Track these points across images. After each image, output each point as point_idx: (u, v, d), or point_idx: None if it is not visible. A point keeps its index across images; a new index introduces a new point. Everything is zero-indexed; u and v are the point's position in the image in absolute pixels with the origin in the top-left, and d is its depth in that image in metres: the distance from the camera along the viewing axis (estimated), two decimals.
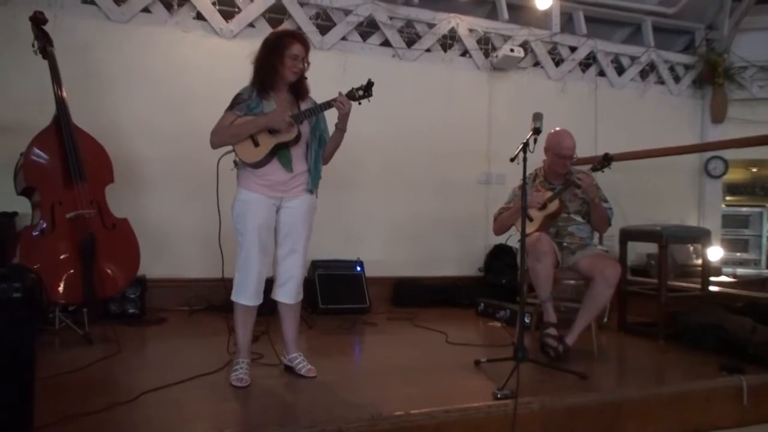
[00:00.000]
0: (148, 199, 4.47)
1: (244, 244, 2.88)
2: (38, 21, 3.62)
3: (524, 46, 5.65)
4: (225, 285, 3.08)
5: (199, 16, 4.70)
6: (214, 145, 2.91)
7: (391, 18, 5.23)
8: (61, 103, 3.56)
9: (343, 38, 5.12)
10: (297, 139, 2.90)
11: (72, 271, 3.44)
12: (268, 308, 3.01)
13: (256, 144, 2.87)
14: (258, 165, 2.88)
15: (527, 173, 3.06)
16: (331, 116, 2.99)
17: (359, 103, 2.94)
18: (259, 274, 2.89)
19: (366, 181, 5.16)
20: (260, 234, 2.88)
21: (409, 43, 5.36)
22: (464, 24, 5.48)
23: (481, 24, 5.56)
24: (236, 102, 2.92)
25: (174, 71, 4.56)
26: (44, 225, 3.46)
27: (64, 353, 3.30)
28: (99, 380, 2.85)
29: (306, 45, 2.94)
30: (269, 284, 2.99)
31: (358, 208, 5.14)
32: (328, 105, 2.92)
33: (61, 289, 3.40)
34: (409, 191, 5.31)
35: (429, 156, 5.36)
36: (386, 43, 5.27)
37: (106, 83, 4.42)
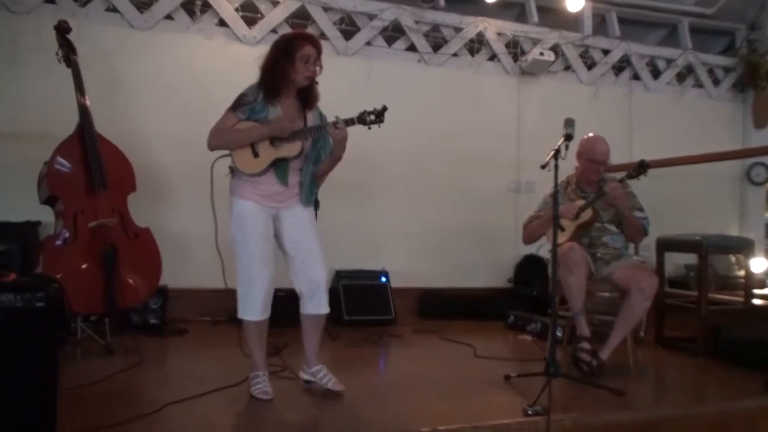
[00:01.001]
0: (169, 208, 4.55)
1: (244, 256, 2.83)
2: (63, 30, 3.72)
3: (555, 49, 5.63)
4: (228, 294, 3.07)
5: (222, 23, 4.78)
6: (212, 146, 2.86)
7: (417, 22, 5.26)
8: (84, 112, 3.64)
9: (368, 43, 5.16)
10: (299, 155, 2.88)
11: (94, 280, 3.50)
12: (293, 320, 3.01)
13: (256, 154, 2.83)
14: (255, 175, 2.85)
15: (559, 180, 3.04)
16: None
17: (368, 128, 2.88)
18: (265, 287, 2.83)
19: (391, 189, 5.18)
20: (261, 244, 2.84)
21: (436, 47, 5.38)
22: (492, 27, 5.49)
23: (510, 27, 5.56)
24: (240, 103, 2.86)
25: (196, 78, 4.64)
26: (67, 234, 3.54)
27: (85, 364, 3.36)
28: (121, 392, 2.90)
29: (318, 47, 2.90)
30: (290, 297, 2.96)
31: (382, 216, 5.15)
32: (324, 128, 2.86)
33: (83, 298, 3.46)
34: (436, 199, 5.31)
35: (456, 163, 5.35)
36: (412, 48, 5.30)
37: (129, 91, 4.51)
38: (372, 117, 2.86)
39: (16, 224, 3.99)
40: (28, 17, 4.30)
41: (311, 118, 2.96)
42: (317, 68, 2.88)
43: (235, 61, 4.69)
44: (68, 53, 3.70)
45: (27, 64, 4.27)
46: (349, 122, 2.84)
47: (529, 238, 3.79)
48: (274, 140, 2.85)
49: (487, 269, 5.42)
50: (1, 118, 4.23)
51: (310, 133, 2.87)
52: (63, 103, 3.87)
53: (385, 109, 2.87)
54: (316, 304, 2.92)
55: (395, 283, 4.93)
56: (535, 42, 5.61)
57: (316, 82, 2.93)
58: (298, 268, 2.91)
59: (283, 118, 2.85)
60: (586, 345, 3.38)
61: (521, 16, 5.65)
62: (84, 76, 3.71)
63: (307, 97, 2.95)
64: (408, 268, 5.12)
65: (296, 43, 2.85)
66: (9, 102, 4.25)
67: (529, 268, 5.24)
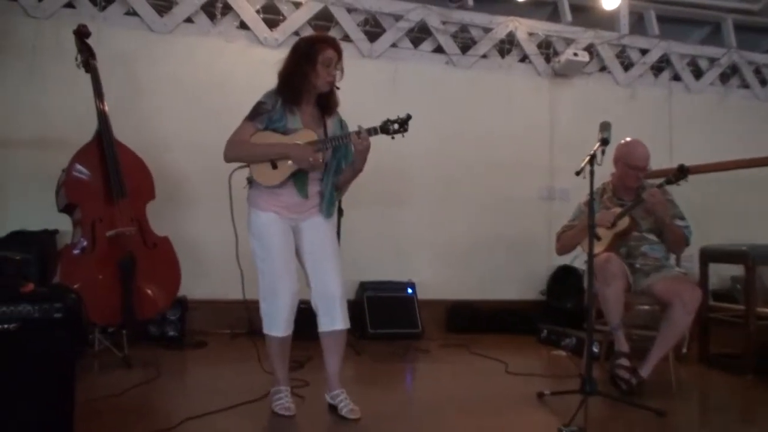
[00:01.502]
0: (189, 216, 4.61)
1: (266, 269, 2.84)
2: (82, 34, 3.81)
3: (589, 49, 5.60)
4: (247, 306, 3.09)
5: (243, 26, 4.85)
6: (228, 158, 2.87)
7: (444, 23, 5.27)
8: (102, 118, 3.72)
9: (393, 45, 5.19)
10: (321, 167, 2.89)
11: (112, 291, 3.56)
12: (317, 333, 3.01)
13: (275, 166, 2.85)
14: (273, 187, 2.86)
15: (594, 187, 3.02)
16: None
17: (392, 138, 2.88)
18: (289, 301, 2.83)
19: (417, 197, 5.19)
20: (283, 256, 2.84)
21: (464, 48, 5.38)
22: (523, 27, 5.48)
23: (542, 27, 5.54)
24: (258, 112, 2.87)
25: (217, 82, 4.71)
26: (85, 243, 3.61)
27: (102, 376, 3.41)
28: (138, 405, 2.93)
29: (339, 51, 2.90)
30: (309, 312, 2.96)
31: (408, 225, 5.17)
32: (346, 137, 2.85)
33: (100, 309, 3.51)
34: (464, 207, 5.30)
35: (486, 170, 5.35)
36: (439, 50, 5.31)
37: (148, 96, 4.60)
38: (395, 126, 2.85)
39: (34, 233, 4.08)
40: (47, 22, 4.41)
41: (331, 126, 2.97)
42: (338, 73, 2.89)
43: (257, 64, 4.74)
44: (87, 58, 3.79)
45: (45, 70, 4.38)
46: (372, 132, 2.83)
47: (563, 248, 3.76)
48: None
49: (519, 281, 5.39)
50: (20, 124, 4.34)
51: (330, 143, 2.87)
52: (81, 109, 3.96)
53: (409, 117, 2.86)
54: (330, 320, 2.87)
55: (422, 294, 4.92)
56: (569, 42, 5.59)
57: (337, 87, 2.94)
58: (312, 281, 2.91)
59: (301, 146, 2.82)
60: (624, 361, 3.34)
61: (554, 15, 5.63)
62: (103, 81, 3.79)
63: (327, 103, 2.95)
64: (436, 279, 5.12)
65: (318, 47, 2.85)
66: (27, 108, 4.36)
67: (563, 280, 5.20)
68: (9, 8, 4.34)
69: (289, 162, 2.83)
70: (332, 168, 2.95)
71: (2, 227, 4.11)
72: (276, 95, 2.89)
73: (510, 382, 3.58)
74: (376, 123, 2.86)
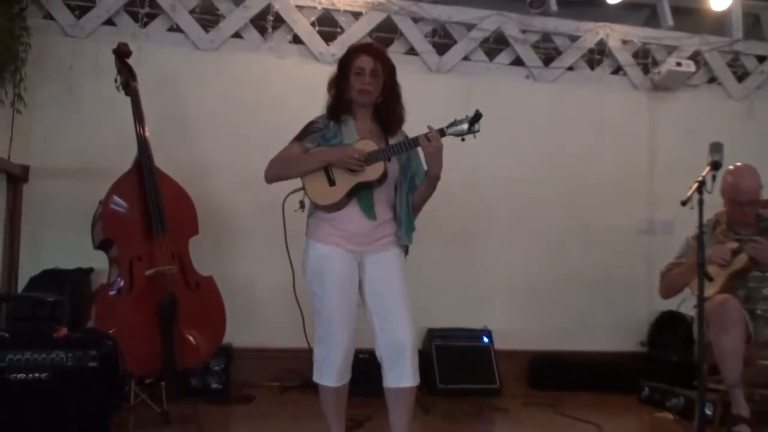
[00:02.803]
0: (236, 253, 4.70)
1: (324, 310, 2.86)
2: (122, 54, 3.99)
3: (695, 58, 5.50)
4: (302, 354, 3.08)
5: (296, 40, 4.97)
6: (268, 178, 2.94)
7: (523, 31, 5.28)
8: (143, 144, 3.86)
9: (466, 58, 5.22)
10: (383, 179, 2.88)
11: (150, 337, 3.64)
12: (379, 387, 2.98)
13: (332, 182, 2.87)
14: (332, 208, 2.88)
15: (705, 219, 2.96)
16: None
17: (462, 139, 2.88)
18: (345, 347, 2.84)
19: (493, 231, 5.16)
20: (343, 297, 2.85)
21: (547, 60, 5.38)
22: (616, 34, 5.43)
23: (638, 33, 5.48)
24: (308, 131, 2.94)
25: (268, 103, 4.82)
26: (122, 283, 3.72)
27: None
28: None
29: (376, 56, 2.93)
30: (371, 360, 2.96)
31: (483, 263, 5.13)
32: (414, 141, 2.87)
33: (137, 358, 3.58)
34: (549, 242, 5.24)
35: (574, 198, 5.28)
36: (518, 62, 5.32)
37: (192, 119, 4.75)
38: (464, 126, 2.86)
39: (68, 271, 4.25)
40: (86, 41, 4.62)
41: (394, 142, 2.99)
42: (376, 81, 2.92)
43: (311, 82, 4.80)
44: (128, 79, 3.96)
45: (83, 93, 4.58)
46: (438, 134, 2.85)
47: (668, 290, 3.70)
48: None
49: (615, 329, 5.27)
50: (54, 152, 4.54)
51: (393, 151, 2.88)
52: (121, 134, 4.12)
53: (479, 116, 2.85)
54: (398, 375, 2.84)
55: (500, 344, 4.87)
56: (671, 50, 5.50)
57: (397, 100, 2.98)
58: (377, 328, 2.89)
59: (344, 146, 2.86)
60: (744, 429, 3.24)
61: (652, 19, 5.56)
62: (143, 105, 3.95)
63: (387, 119, 2.99)
64: (515, 326, 5.06)
65: (351, 55, 2.95)
66: (62, 134, 4.56)
67: (669, 328, 5.09)
68: (45, 27, 4.58)
69: (348, 173, 2.85)
70: (405, 187, 2.98)
71: (36, 265, 4.30)
72: (328, 113, 2.98)
73: None
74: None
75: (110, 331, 3.40)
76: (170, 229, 3.80)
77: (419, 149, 2.90)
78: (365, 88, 2.91)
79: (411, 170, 2.99)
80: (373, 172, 2.87)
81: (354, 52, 2.96)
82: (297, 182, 2.98)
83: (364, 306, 2.96)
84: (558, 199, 5.26)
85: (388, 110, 2.99)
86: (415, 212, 3.05)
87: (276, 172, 2.94)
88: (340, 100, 2.94)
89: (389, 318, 2.87)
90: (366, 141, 2.90)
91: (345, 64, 2.94)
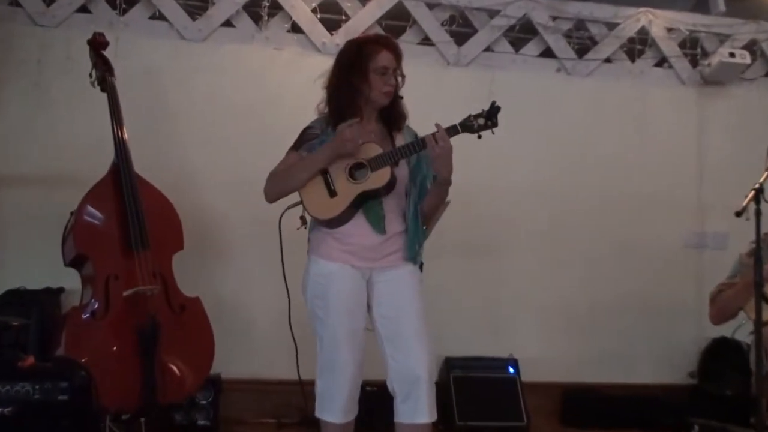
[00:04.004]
0: (226, 272, 4.71)
1: (327, 336, 2.87)
2: (98, 45, 4.00)
3: (751, 48, 5.50)
4: (302, 388, 3.08)
5: (296, 28, 4.98)
6: (269, 196, 2.98)
7: (554, 18, 5.28)
8: (121, 147, 3.85)
9: (488, 49, 5.22)
10: (390, 185, 2.90)
11: (128, 367, 3.61)
12: (388, 422, 2.98)
13: (333, 192, 2.88)
14: (335, 222, 2.89)
15: (762, 232, 2.95)
16: None
17: (479, 137, 2.91)
18: (352, 379, 2.86)
19: (519, 246, 5.15)
20: (350, 320, 2.87)
21: (581, 51, 5.38)
22: (660, 21, 5.43)
23: (685, 20, 5.48)
24: (304, 139, 2.97)
25: (264, 101, 4.84)
26: (96, 305, 3.70)
27: None
28: None
29: (397, 52, 2.97)
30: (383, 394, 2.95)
31: (507, 283, 5.13)
32: (421, 142, 2.88)
33: (114, 390, 3.55)
34: (582, 259, 5.23)
35: (610, 209, 5.28)
36: (548, 53, 5.33)
37: (177, 119, 4.76)
38: (480, 121, 2.87)
39: (35, 292, 4.25)
40: (56, 31, 4.64)
41: (402, 142, 3.01)
42: (398, 80, 2.95)
43: (313, 77, 4.83)
44: (104, 74, 3.96)
45: (53, 89, 4.60)
46: (451, 131, 2.87)
47: (720, 314, 3.68)
48: (353, 172, 2.90)
49: (659, 358, 5.27)
50: (21, 155, 4.56)
51: (399, 154, 2.89)
52: (96, 136, 4.14)
53: (496, 108, 2.88)
54: (412, 409, 2.85)
55: (527, 375, 4.86)
56: (723, 39, 5.50)
57: (400, 97, 3.00)
58: (389, 356, 2.91)
59: (342, 130, 2.85)
60: None
61: (701, 4, 5.55)
62: (122, 102, 3.95)
63: (392, 116, 3.02)
64: (545, 355, 5.05)
65: (368, 50, 2.94)
66: (30, 135, 4.57)
67: (722, 357, 5.08)
68: (11, 15, 4.59)
69: (351, 181, 2.86)
70: (414, 193, 2.99)
71: None
72: (327, 118, 2.99)
73: None
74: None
75: (83, 360, 3.37)
76: (152, 244, 3.79)
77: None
78: (390, 90, 2.93)
79: (421, 174, 3.01)
80: (379, 178, 2.88)
81: (372, 45, 2.96)
82: (296, 195, 3.00)
83: (373, 330, 2.96)
84: (593, 209, 5.26)
85: (395, 108, 3.02)
86: (427, 224, 3.07)
87: (275, 190, 2.97)
88: (354, 102, 2.94)
89: (402, 344, 2.88)
90: (369, 144, 2.91)
91: (362, 60, 2.92)
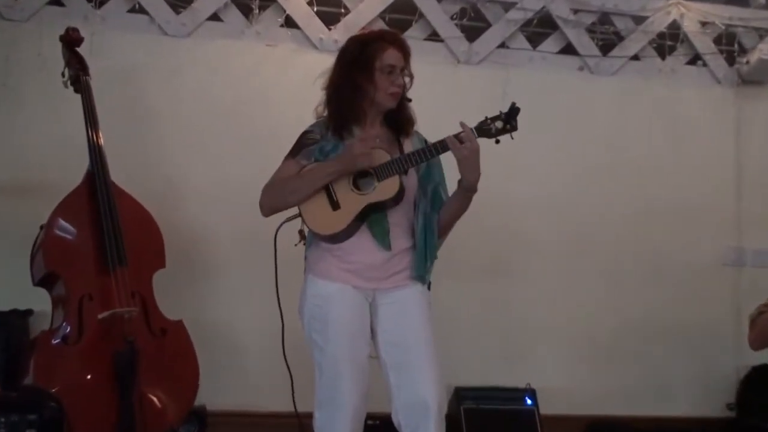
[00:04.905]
0: (213, 293, 4.70)
1: (326, 366, 2.87)
2: (71, 41, 4.01)
3: None
4: (300, 421, 3.08)
5: (290, 23, 4.97)
6: (265, 209, 2.98)
7: (576, 11, 5.29)
8: (96, 153, 3.86)
9: (502, 45, 5.23)
10: (399, 197, 2.89)
11: (104, 397, 3.60)
12: None
13: (336, 205, 2.88)
14: (338, 238, 2.89)
15: None
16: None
17: (497, 141, 2.91)
18: (354, 412, 2.86)
19: (537, 263, 5.15)
20: (352, 347, 2.87)
21: (606, 48, 5.38)
22: (693, 14, 5.43)
23: (721, 13, 5.47)
24: (303, 144, 2.96)
25: (255, 102, 4.84)
26: (68, 329, 3.69)
27: None
28: None
29: (405, 49, 2.98)
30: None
31: (524, 305, 5.12)
32: (441, 145, 2.87)
33: (87, 424, 3.54)
34: (608, 278, 5.23)
35: (639, 223, 5.28)
36: (569, 50, 5.33)
37: (159, 123, 4.76)
38: (498, 124, 2.88)
39: (1, 314, 4.23)
40: (26, 26, 4.63)
41: (410, 148, 3.02)
42: (406, 80, 2.96)
43: (310, 75, 4.84)
44: (78, 73, 3.97)
45: (22, 89, 4.59)
46: None
47: (760, 339, 3.68)
48: (358, 181, 2.90)
49: (694, 388, 5.27)
50: None
51: (409, 160, 2.88)
52: (68, 141, 4.14)
53: (516, 110, 2.88)
54: None
55: (547, 407, 4.85)
56: (762, 34, 5.50)
57: (408, 99, 3.01)
58: (394, 385, 2.91)
59: (353, 144, 2.86)
60: None
61: None
62: (98, 104, 3.96)
63: (399, 120, 3.03)
64: (567, 385, 5.05)
65: (373, 48, 2.94)
66: None
67: (763, 387, 5.08)
68: None
69: (355, 192, 2.86)
70: (425, 204, 2.99)
71: None
72: (326, 121, 3.00)
73: None
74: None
75: (53, 390, 3.39)
76: (130, 261, 3.78)
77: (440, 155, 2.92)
78: (398, 91, 2.94)
79: (433, 181, 3.02)
80: (386, 189, 2.87)
81: (378, 42, 2.96)
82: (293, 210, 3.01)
83: (377, 358, 2.96)
84: (619, 223, 5.26)
85: (402, 111, 3.02)
86: (443, 234, 3.07)
87: (271, 203, 2.97)
88: (357, 104, 2.95)
89: (410, 373, 2.88)
90: (377, 150, 2.90)
91: (367, 58, 2.93)
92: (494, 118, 2.89)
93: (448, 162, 2.95)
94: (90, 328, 3.69)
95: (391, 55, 2.93)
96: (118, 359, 3.63)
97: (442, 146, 2.86)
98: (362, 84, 2.93)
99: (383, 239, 2.90)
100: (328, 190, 2.89)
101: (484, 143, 2.91)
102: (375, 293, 2.94)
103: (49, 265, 3.79)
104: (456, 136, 2.83)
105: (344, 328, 2.87)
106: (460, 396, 4.76)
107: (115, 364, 3.63)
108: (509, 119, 2.88)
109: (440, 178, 3.04)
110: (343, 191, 2.88)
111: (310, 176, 2.90)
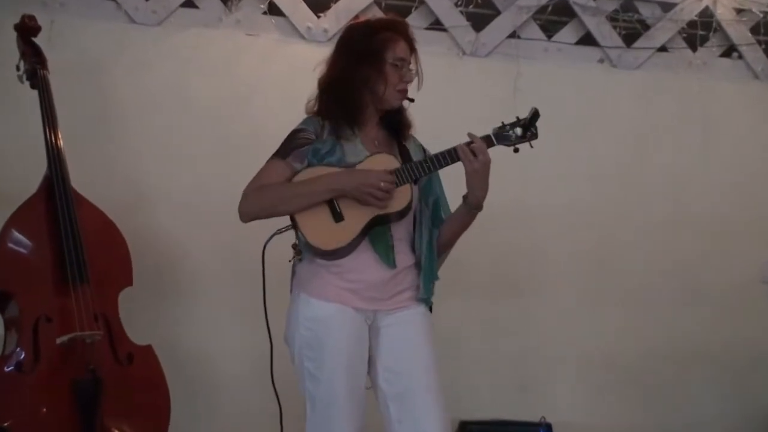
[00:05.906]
0: (187, 315, 4.67)
1: (320, 396, 2.87)
2: (27, 30, 3.99)
3: None
4: None
5: (274, 10, 4.96)
6: (245, 215, 2.94)
7: None
8: (55, 157, 3.83)
9: (513, 35, 5.23)
10: (407, 209, 2.90)
11: (63, 431, 3.60)
12: None
13: (339, 216, 2.87)
14: (340, 254, 2.88)
15: None
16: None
17: (515, 150, 2.93)
18: None
19: (551, 282, 5.16)
20: (350, 377, 2.87)
21: (629, 38, 5.40)
22: (727, 1, 5.45)
23: None
24: (294, 145, 2.93)
25: (234, 98, 4.83)
26: (23, 355, 3.67)
27: None
28: None
29: (412, 41, 2.98)
30: None
31: (538, 330, 5.13)
32: (449, 155, 2.87)
33: None
34: (631, 300, 5.23)
35: (667, 234, 5.29)
36: (588, 40, 5.34)
37: (126, 122, 4.74)
38: (518, 131, 2.89)
39: None
40: None
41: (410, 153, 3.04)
42: (415, 75, 2.98)
43: (296, 69, 4.82)
44: (34, 66, 3.95)
45: None
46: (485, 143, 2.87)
47: None
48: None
49: (731, 423, 5.27)
50: None
51: (423, 168, 2.88)
52: (23, 143, 4.13)
53: (536, 116, 2.88)
54: None
55: None
56: None
57: (411, 99, 3.02)
58: (394, 419, 2.91)
59: (361, 171, 2.86)
60: None
61: None
62: (57, 101, 3.94)
63: (399, 122, 3.04)
64: (587, 420, 5.06)
65: (383, 37, 2.94)
66: None
67: None
68: None
69: (363, 204, 2.86)
70: (426, 218, 3.00)
71: None
72: (319, 119, 2.97)
73: None
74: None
75: (6, 425, 3.39)
76: (92, 278, 3.76)
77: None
78: (405, 88, 2.96)
79: (434, 194, 3.04)
80: (396, 200, 2.86)
81: (387, 32, 2.96)
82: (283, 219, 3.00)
83: (374, 388, 2.97)
84: (646, 236, 5.27)
85: (400, 109, 3.04)
86: (443, 252, 3.09)
87: (255, 210, 2.93)
88: (360, 100, 2.95)
89: (412, 404, 2.89)
90: (383, 155, 2.93)
91: (375, 49, 2.93)
92: (513, 125, 2.90)
93: (446, 175, 2.96)
94: (47, 353, 3.67)
95: (402, 48, 2.94)
96: (78, 389, 3.62)
97: (453, 155, 2.86)
98: (370, 78, 2.92)
99: (387, 256, 2.90)
100: (331, 200, 2.87)
101: (496, 153, 2.91)
102: (375, 315, 2.94)
103: (3, 282, 3.77)
104: (468, 145, 2.83)
105: (343, 355, 2.86)
106: (466, 431, 4.77)
107: (75, 395, 3.61)
108: (529, 126, 2.89)
109: (440, 191, 3.06)
110: (347, 200, 2.86)
111: (310, 188, 2.87)
